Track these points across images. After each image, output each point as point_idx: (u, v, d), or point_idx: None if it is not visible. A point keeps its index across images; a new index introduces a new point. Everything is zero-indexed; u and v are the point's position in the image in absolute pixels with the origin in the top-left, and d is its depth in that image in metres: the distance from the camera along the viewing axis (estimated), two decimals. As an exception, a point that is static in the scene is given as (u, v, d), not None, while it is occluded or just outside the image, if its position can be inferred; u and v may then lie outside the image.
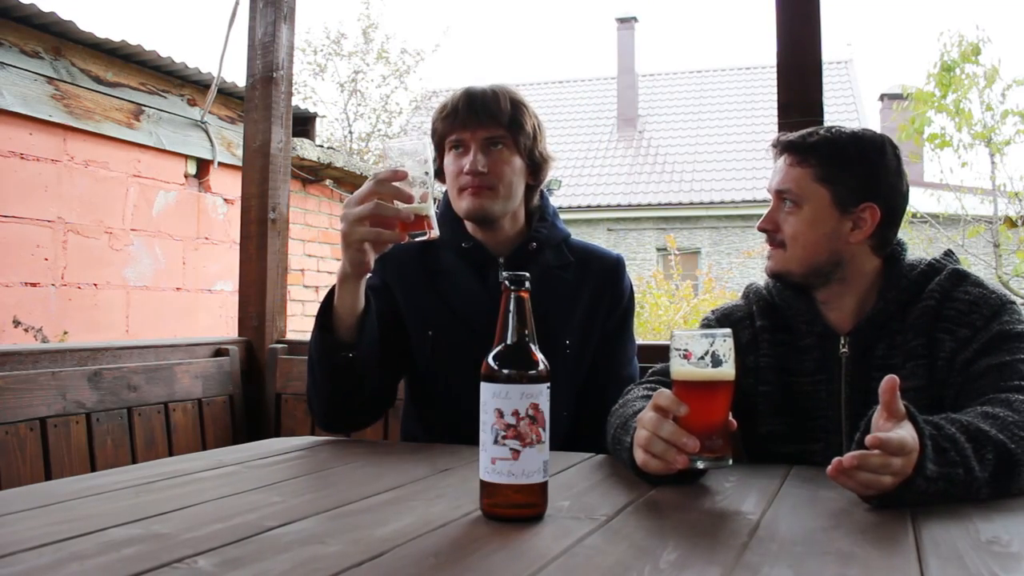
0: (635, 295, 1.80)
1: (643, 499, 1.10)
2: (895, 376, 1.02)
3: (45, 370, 1.84)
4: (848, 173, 1.38)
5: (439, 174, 1.69)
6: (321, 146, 5.69)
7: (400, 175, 1.32)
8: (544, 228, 1.70)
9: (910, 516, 0.99)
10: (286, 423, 2.37)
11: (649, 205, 16.68)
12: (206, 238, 4.89)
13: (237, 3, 3.42)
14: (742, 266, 15.20)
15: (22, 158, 3.83)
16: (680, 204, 16.49)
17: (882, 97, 17.82)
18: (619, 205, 16.84)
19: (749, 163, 16.65)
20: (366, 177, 1.31)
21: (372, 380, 1.53)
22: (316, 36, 15.85)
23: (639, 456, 1.14)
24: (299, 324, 5.27)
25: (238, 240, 2.58)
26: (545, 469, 0.98)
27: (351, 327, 1.46)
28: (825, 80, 2.02)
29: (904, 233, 1.49)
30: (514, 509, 0.98)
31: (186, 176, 4.77)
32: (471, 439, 1.13)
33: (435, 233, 1.36)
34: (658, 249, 16.15)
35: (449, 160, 1.64)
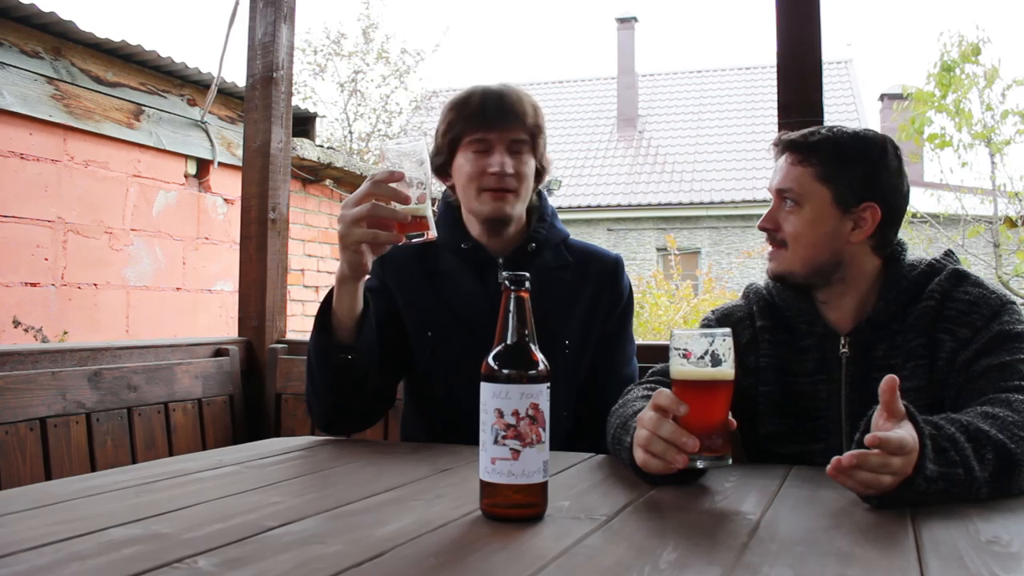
0: (635, 295, 1.80)
1: (643, 499, 1.10)
2: (895, 376, 1.02)
3: (45, 370, 1.84)
4: (849, 172, 1.38)
5: (443, 170, 1.67)
6: (321, 146, 5.69)
7: (397, 176, 1.32)
8: (543, 229, 1.70)
9: (910, 516, 0.99)
10: (286, 423, 2.37)
11: (649, 205, 16.68)
12: (206, 238, 4.89)
13: (237, 3, 3.42)
14: (742, 266, 15.20)
15: (22, 158, 3.83)
16: (680, 204, 16.49)
17: (882, 97, 17.82)
18: (619, 205, 16.84)
19: (749, 163, 16.65)
20: (366, 177, 1.32)
21: (371, 382, 1.53)
22: (316, 36, 15.84)
23: (639, 456, 1.14)
24: (299, 324, 5.27)
25: (238, 240, 2.58)
26: (545, 469, 0.98)
27: (350, 329, 1.45)
28: (825, 80, 2.02)
29: (904, 233, 1.49)
30: (514, 509, 0.98)
31: (186, 176, 4.78)
32: (471, 439, 1.13)
33: (433, 234, 1.36)
34: (658, 249, 16.15)
35: (467, 159, 1.61)
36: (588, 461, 1.38)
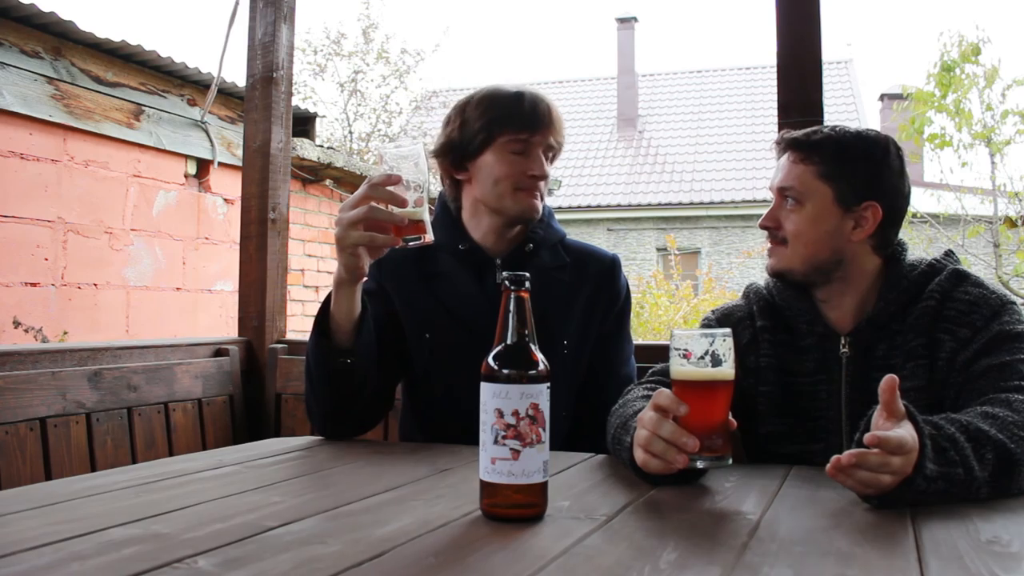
0: (635, 295, 1.81)
1: (643, 499, 1.10)
2: (894, 376, 1.02)
3: (45, 370, 1.84)
4: (851, 171, 1.38)
5: (461, 164, 1.63)
6: (321, 146, 5.69)
7: (394, 179, 1.32)
8: (540, 229, 1.70)
9: (910, 516, 0.99)
10: (286, 423, 2.37)
11: (649, 205, 16.68)
12: (206, 238, 4.89)
13: (237, 3, 3.42)
14: (742, 266, 15.20)
15: (22, 158, 3.83)
16: (680, 204, 16.49)
17: (882, 97, 17.82)
18: (619, 205, 16.84)
19: (749, 163, 16.65)
20: (366, 177, 1.32)
21: (370, 385, 1.53)
22: (316, 36, 15.84)
23: (639, 456, 1.14)
24: (299, 324, 5.27)
25: (238, 240, 2.58)
26: (545, 469, 0.98)
27: (348, 332, 1.45)
28: (825, 80, 2.02)
29: (904, 233, 1.49)
30: (514, 509, 0.98)
31: (186, 176, 4.78)
32: (470, 440, 1.13)
33: (429, 238, 1.35)
34: (658, 249, 16.15)
35: (501, 158, 1.59)
36: (588, 461, 1.38)
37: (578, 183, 17.47)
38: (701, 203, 16.34)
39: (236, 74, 6.42)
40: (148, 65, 4.42)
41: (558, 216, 1.79)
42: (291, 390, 2.36)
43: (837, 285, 1.41)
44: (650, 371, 1.52)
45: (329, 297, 1.45)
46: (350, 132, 14.28)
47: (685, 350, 1.12)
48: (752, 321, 1.51)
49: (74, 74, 4.05)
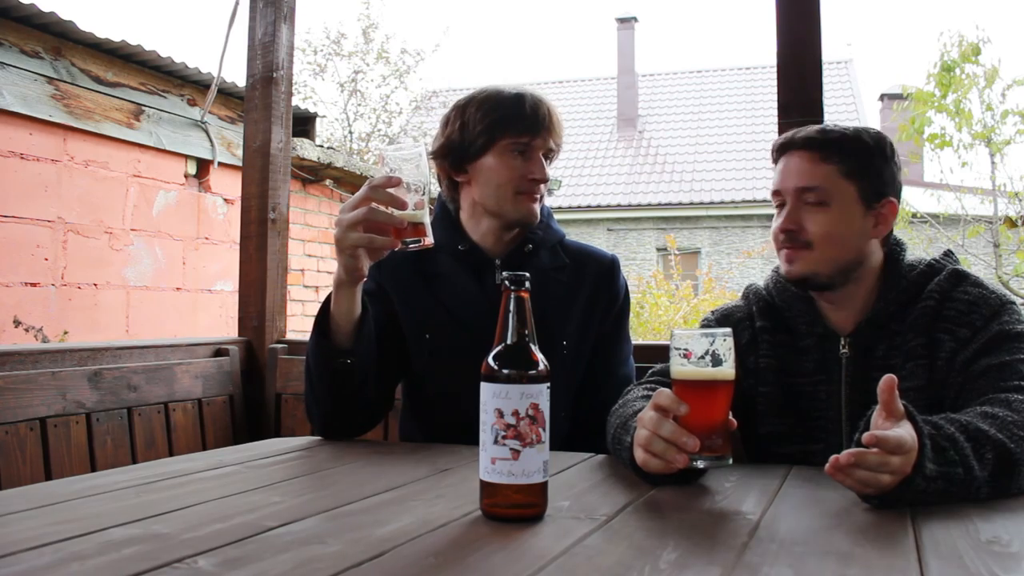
0: (635, 295, 1.81)
1: (643, 499, 1.10)
2: (893, 376, 1.02)
3: (45, 370, 1.84)
4: (871, 168, 1.39)
5: (460, 166, 1.63)
6: (321, 146, 5.69)
7: (395, 181, 1.31)
8: (540, 230, 1.69)
9: (910, 516, 0.99)
10: (286, 423, 2.37)
11: (649, 205, 16.68)
12: (206, 238, 4.89)
13: (237, 3, 3.42)
14: (742, 266, 15.20)
15: (22, 158, 3.83)
16: (680, 204, 16.49)
17: (882, 97, 17.83)
18: (619, 205, 16.84)
19: (749, 163, 16.65)
20: (366, 177, 1.32)
21: (370, 385, 1.53)
22: (316, 36, 15.84)
23: (639, 455, 1.14)
24: (299, 324, 5.27)
25: (238, 240, 2.58)
26: (545, 469, 0.98)
27: (348, 333, 1.46)
28: (825, 80, 2.02)
29: (904, 233, 1.50)
30: (514, 509, 0.98)
31: (186, 176, 4.78)
32: (470, 440, 1.13)
33: (429, 241, 1.35)
34: (658, 249, 16.15)
35: (505, 160, 1.58)
36: (588, 461, 1.38)
37: (578, 183, 17.47)
38: (701, 203, 16.35)
39: (236, 74, 6.42)
40: (148, 65, 4.42)
41: (558, 216, 1.79)
42: (291, 390, 2.36)
43: (851, 287, 1.40)
44: (650, 371, 1.52)
45: (329, 298, 1.45)
46: (350, 132, 14.28)
47: (685, 350, 1.12)
48: (752, 322, 1.51)
49: (74, 74, 4.05)
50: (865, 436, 0.97)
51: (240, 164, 2.65)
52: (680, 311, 8.51)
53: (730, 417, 1.13)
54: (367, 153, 13.42)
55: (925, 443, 1.00)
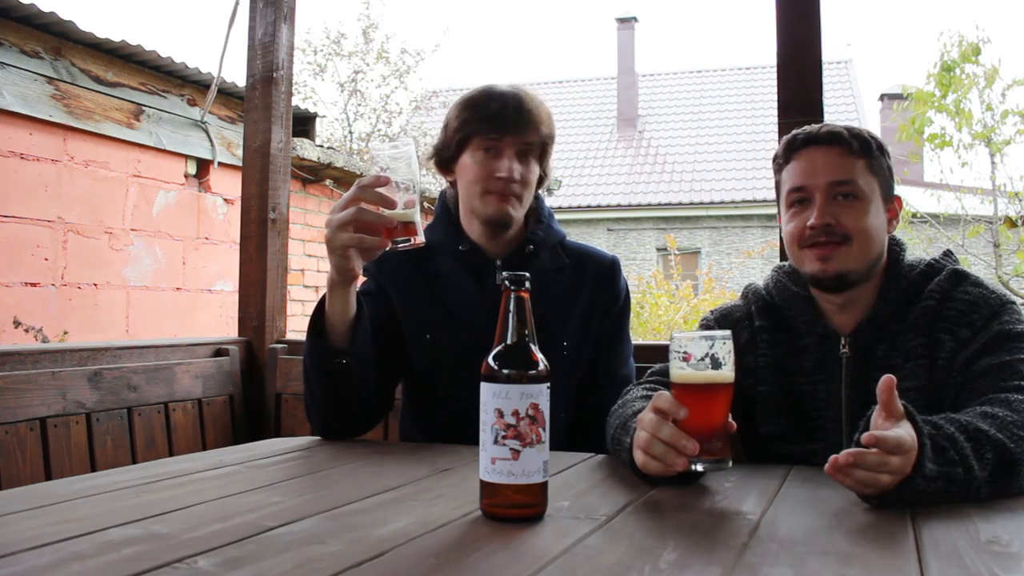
0: (635, 295, 1.81)
1: (643, 499, 1.10)
2: (892, 376, 1.02)
3: (45, 370, 1.84)
4: (885, 165, 1.41)
5: (447, 165, 1.66)
6: (321, 146, 5.69)
7: (383, 181, 1.31)
8: (540, 231, 1.69)
9: (910, 516, 0.99)
10: (286, 423, 2.37)
11: (649, 205, 16.68)
12: (206, 238, 4.89)
13: (237, 3, 3.42)
14: (742, 266, 15.20)
15: (22, 158, 3.83)
16: (680, 204, 16.49)
17: (882, 97, 17.83)
18: (619, 205, 16.84)
19: (749, 163, 16.65)
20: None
21: (368, 385, 1.53)
22: (316, 36, 15.81)
23: (639, 458, 1.13)
24: (299, 324, 5.25)
25: (238, 240, 2.58)
26: (545, 469, 0.98)
27: (343, 333, 1.46)
28: (825, 80, 2.02)
29: (904, 233, 1.50)
30: (514, 509, 0.98)
31: (186, 176, 4.78)
32: (470, 440, 1.13)
33: (420, 240, 1.35)
34: (658, 249, 16.15)
35: (476, 159, 1.60)
36: (588, 461, 1.38)
37: (578, 183, 17.47)
38: (701, 203, 16.35)
39: (236, 74, 6.42)
40: (148, 65, 4.42)
41: (558, 216, 1.79)
42: (291, 390, 2.36)
43: (866, 285, 1.40)
44: (649, 371, 1.52)
45: (324, 298, 1.45)
46: (350, 132, 14.27)
47: (684, 352, 1.11)
48: (751, 321, 1.51)
49: (74, 74, 4.05)
50: (864, 436, 0.97)
51: (240, 164, 2.65)
52: (680, 311, 8.51)
53: (730, 420, 1.13)
54: (367, 153, 13.41)
55: (925, 443, 1.00)
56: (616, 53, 19.94)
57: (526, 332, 1.00)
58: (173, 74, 4.58)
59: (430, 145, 1.69)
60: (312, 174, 5.75)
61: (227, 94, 4.86)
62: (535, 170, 1.63)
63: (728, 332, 1.13)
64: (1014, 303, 1.33)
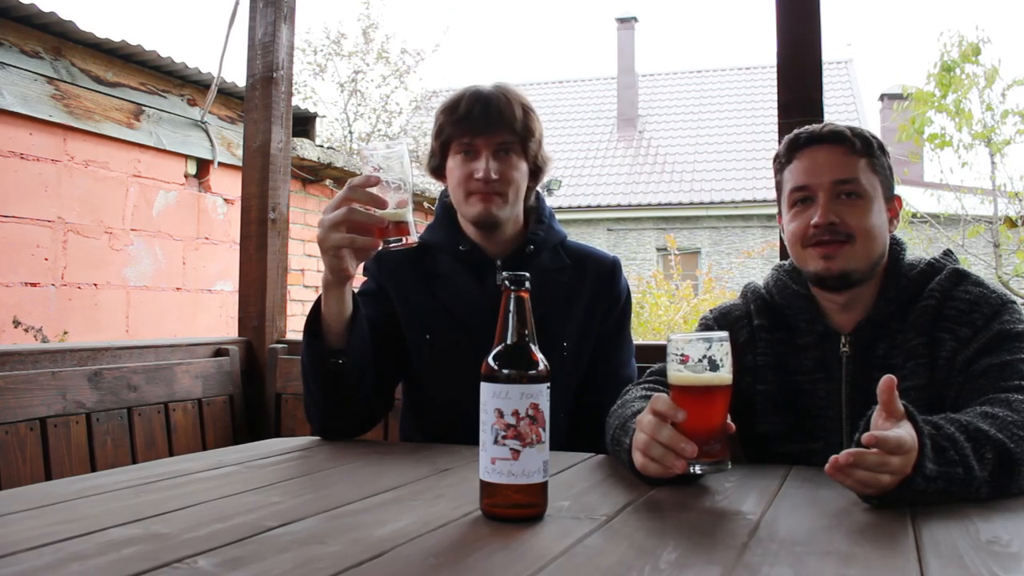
0: (635, 295, 1.81)
1: (643, 499, 1.10)
2: (892, 376, 1.02)
3: (45, 370, 1.84)
4: (886, 165, 1.41)
5: (438, 171, 1.68)
6: (321, 146, 5.69)
7: (372, 181, 1.31)
8: (541, 231, 1.70)
9: (910, 516, 0.99)
10: (286, 423, 2.37)
11: (649, 205, 16.68)
12: (206, 238, 4.89)
13: (237, 3, 3.42)
14: (742, 266, 15.20)
15: (22, 158, 3.83)
16: (680, 204, 16.49)
17: (882, 97, 17.84)
18: (619, 205, 16.84)
19: (749, 163, 16.65)
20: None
21: (366, 385, 1.53)
22: (316, 36, 15.81)
23: (638, 459, 1.13)
24: (299, 324, 5.20)
25: (238, 240, 2.58)
26: (545, 469, 0.98)
27: (340, 333, 1.46)
28: (825, 80, 2.02)
29: (904, 233, 1.50)
30: (514, 509, 0.98)
31: (186, 176, 4.78)
32: (470, 440, 1.13)
33: (412, 240, 1.34)
34: (658, 249, 16.15)
35: (456, 163, 1.62)
36: (588, 461, 1.38)
37: (578, 183, 17.47)
38: (701, 203, 16.35)
39: (236, 74, 6.42)
40: (148, 65, 4.42)
41: (558, 216, 1.79)
42: (291, 390, 2.36)
43: (867, 284, 1.39)
44: (648, 371, 1.52)
45: (320, 299, 1.45)
46: (350, 132, 14.27)
47: (682, 355, 1.11)
48: (749, 320, 1.50)
49: (74, 74, 4.04)
50: (865, 436, 0.97)
51: (240, 164, 2.65)
52: (680, 311, 8.51)
53: (728, 421, 1.13)
54: (359, 153, 13.38)
55: (925, 443, 1.00)
56: (616, 53, 19.94)
57: (526, 332, 1.00)
58: (173, 74, 4.58)
59: (430, 145, 1.69)
60: (312, 174, 5.75)
61: (227, 94, 4.86)
62: (518, 166, 1.62)
63: (725, 334, 1.12)
64: (1015, 303, 1.33)
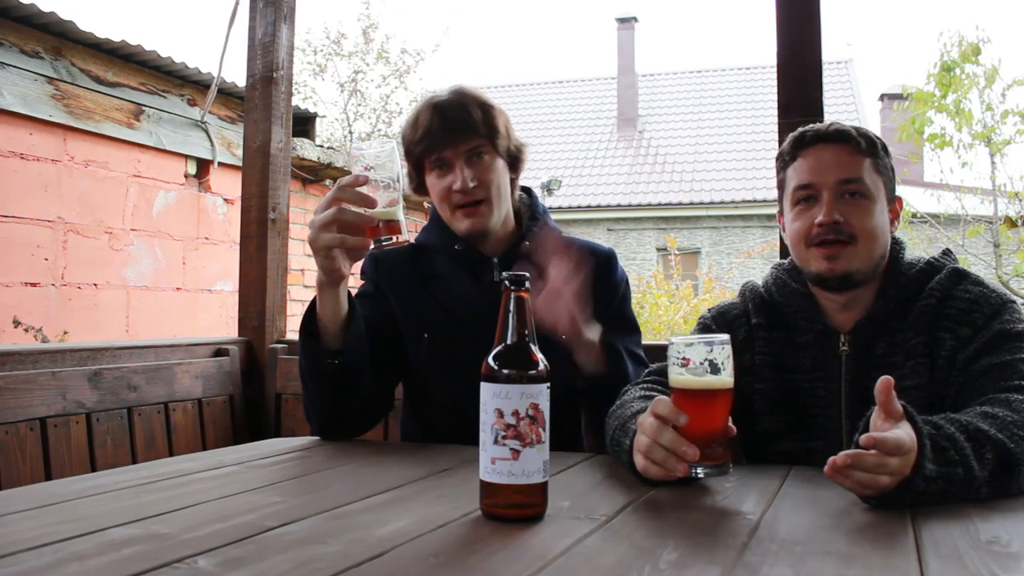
0: (635, 295, 1.81)
1: (643, 499, 1.10)
2: (889, 377, 1.02)
3: (45, 370, 1.84)
4: (888, 165, 1.41)
5: (421, 190, 1.67)
6: (321, 146, 5.69)
7: (361, 180, 1.31)
8: (535, 227, 1.69)
9: (910, 516, 0.99)
10: (286, 423, 2.37)
11: (649, 205, 16.68)
12: (206, 238, 4.89)
13: (237, 3, 3.42)
14: (742, 266, 15.20)
15: (22, 158, 3.83)
16: (680, 204, 16.49)
17: (882, 97, 17.84)
18: (619, 205, 16.84)
19: (749, 163, 16.66)
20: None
21: (364, 385, 1.53)
22: (316, 36, 15.84)
23: (639, 462, 1.13)
24: (299, 324, 5.26)
25: (238, 240, 2.58)
26: (545, 469, 0.98)
27: (336, 334, 1.45)
28: (825, 80, 2.02)
29: (904, 233, 1.50)
30: (514, 509, 0.98)
31: (186, 176, 4.78)
32: (469, 440, 1.13)
33: (403, 238, 1.34)
34: (658, 249, 16.15)
35: (433, 179, 1.61)
36: (588, 461, 1.38)
37: (578, 183, 17.47)
38: (701, 203, 16.35)
39: (236, 74, 6.42)
40: (148, 65, 4.42)
41: (558, 216, 1.79)
42: (291, 390, 2.36)
43: (867, 284, 1.39)
44: (647, 370, 1.52)
45: (315, 299, 1.45)
46: (350, 132, 14.28)
47: (683, 358, 1.11)
48: (747, 319, 1.50)
49: (74, 74, 4.04)
50: (863, 438, 0.97)
51: (240, 164, 2.65)
52: (680, 311, 8.51)
53: (730, 424, 1.13)
54: (350, 152, 13.39)
55: (925, 443, 1.00)
56: (616, 53, 19.94)
57: (526, 332, 1.00)
58: (173, 74, 4.58)
59: (406, 167, 1.68)
60: (312, 174, 5.75)
61: (227, 94, 4.86)
62: (493, 166, 1.60)
63: (726, 336, 1.12)
64: (1015, 302, 1.33)
